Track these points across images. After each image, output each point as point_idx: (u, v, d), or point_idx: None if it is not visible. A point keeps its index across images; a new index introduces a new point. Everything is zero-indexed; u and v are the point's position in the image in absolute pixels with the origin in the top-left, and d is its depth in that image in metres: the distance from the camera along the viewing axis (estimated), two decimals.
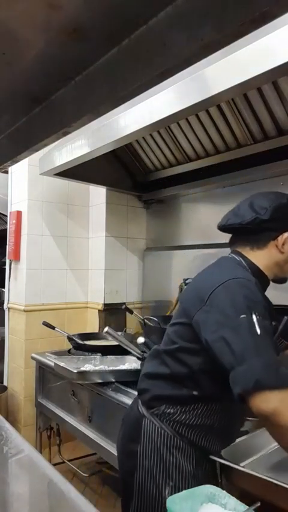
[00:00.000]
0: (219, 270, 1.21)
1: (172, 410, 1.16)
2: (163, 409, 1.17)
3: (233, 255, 1.27)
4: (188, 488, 1.10)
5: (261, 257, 1.24)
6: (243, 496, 1.00)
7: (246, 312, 1.03)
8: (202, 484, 1.08)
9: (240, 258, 1.24)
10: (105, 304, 2.92)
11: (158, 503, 1.12)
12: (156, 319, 2.25)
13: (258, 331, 1.00)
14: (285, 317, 1.24)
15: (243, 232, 1.25)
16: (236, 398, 0.98)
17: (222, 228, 1.32)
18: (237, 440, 1.29)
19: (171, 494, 1.05)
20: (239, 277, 1.12)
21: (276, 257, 1.23)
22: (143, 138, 2.53)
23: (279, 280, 1.32)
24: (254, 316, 1.02)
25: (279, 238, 1.22)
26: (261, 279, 1.22)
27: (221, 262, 1.27)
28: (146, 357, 1.86)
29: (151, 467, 1.14)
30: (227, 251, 2.47)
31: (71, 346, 2.46)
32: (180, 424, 1.15)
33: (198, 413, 1.15)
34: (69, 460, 2.47)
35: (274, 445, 1.23)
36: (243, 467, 1.14)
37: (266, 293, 1.27)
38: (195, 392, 1.13)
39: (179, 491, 1.07)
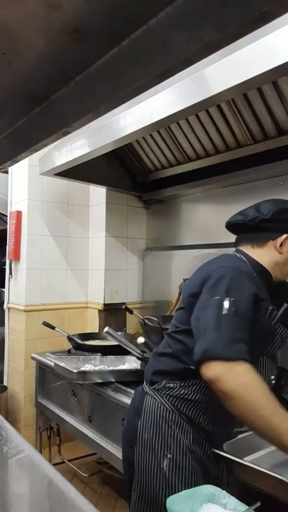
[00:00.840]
0: (217, 261, 1.30)
1: (172, 385, 1.25)
2: (164, 384, 1.26)
3: (235, 253, 1.37)
4: (186, 462, 1.17)
5: (262, 255, 1.32)
6: (246, 491, 1.00)
7: (222, 295, 1.14)
8: (200, 460, 1.19)
9: (242, 255, 1.33)
10: (105, 304, 2.92)
11: (157, 476, 1.18)
12: (156, 319, 2.25)
13: (225, 312, 1.10)
14: (285, 304, 1.28)
15: (246, 229, 1.35)
16: (195, 369, 1.12)
17: (228, 224, 1.43)
18: (242, 435, 1.31)
19: (169, 467, 1.16)
20: (230, 266, 1.23)
21: (275, 257, 1.31)
22: (143, 138, 2.53)
23: (277, 282, 1.36)
24: (226, 299, 1.12)
25: (278, 239, 1.30)
26: (262, 274, 1.30)
27: (221, 257, 1.35)
28: (146, 357, 1.87)
29: (150, 440, 1.21)
30: (227, 251, 2.47)
31: (71, 346, 2.46)
32: (179, 399, 1.23)
33: (196, 389, 1.23)
34: (69, 460, 2.47)
35: None
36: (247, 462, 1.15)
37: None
38: (192, 367, 1.18)
39: (176, 464, 1.17)
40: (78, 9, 0.55)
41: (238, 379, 1.04)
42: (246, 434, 1.34)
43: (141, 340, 1.77)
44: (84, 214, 3.09)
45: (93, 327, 2.96)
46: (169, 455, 1.18)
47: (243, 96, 1.86)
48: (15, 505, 0.88)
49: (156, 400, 1.25)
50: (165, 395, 1.25)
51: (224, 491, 1.04)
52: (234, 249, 1.43)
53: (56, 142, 1.93)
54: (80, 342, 2.41)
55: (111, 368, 2.02)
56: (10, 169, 3.00)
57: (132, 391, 1.81)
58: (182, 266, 2.69)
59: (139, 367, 1.98)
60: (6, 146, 1.00)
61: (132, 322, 2.86)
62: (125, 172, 2.87)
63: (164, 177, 2.71)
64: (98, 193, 3.01)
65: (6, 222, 3.17)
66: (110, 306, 2.93)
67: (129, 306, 2.70)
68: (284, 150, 1.96)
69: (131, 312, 2.53)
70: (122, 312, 2.81)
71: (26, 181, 2.82)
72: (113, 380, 1.91)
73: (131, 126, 1.68)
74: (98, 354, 2.20)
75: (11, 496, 0.92)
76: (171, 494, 0.97)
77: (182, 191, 2.67)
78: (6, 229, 3.07)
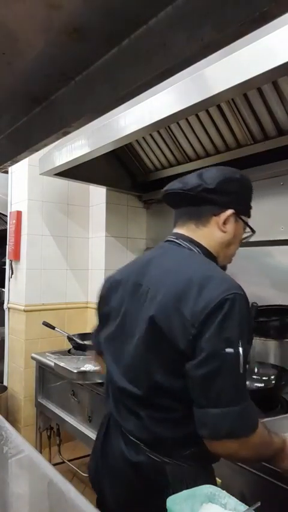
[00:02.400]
0: (213, 279, 0.95)
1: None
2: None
3: (187, 244, 1.08)
4: None
5: (208, 236, 1.09)
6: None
7: (236, 343, 0.88)
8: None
9: (196, 248, 1.08)
10: None
11: None
12: None
13: (241, 370, 0.88)
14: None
15: (186, 201, 1.10)
16: (200, 435, 0.92)
17: (164, 193, 1.16)
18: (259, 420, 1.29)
19: None
20: (237, 291, 0.92)
21: (219, 237, 1.09)
22: (143, 138, 2.53)
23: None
24: (240, 349, 0.88)
25: (222, 214, 1.08)
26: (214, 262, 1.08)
27: (188, 259, 1.06)
28: None
29: None
30: None
31: (71, 346, 2.46)
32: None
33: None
34: (69, 460, 2.47)
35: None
36: None
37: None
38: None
39: None
40: (78, 9, 0.55)
41: (254, 450, 0.93)
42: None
43: None
44: (84, 214, 3.09)
45: (93, 327, 2.96)
46: None
47: (243, 96, 1.86)
48: (15, 505, 0.88)
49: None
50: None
51: (224, 491, 1.04)
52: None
53: (56, 142, 1.93)
54: (80, 342, 2.41)
55: None
56: (10, 169, 3.00)
57: None
58: None
59: None
60: (6, 146, 1.00)
61: None
62: (125, 172, 2.87)
63: (164, 177, 2.71)
64: (98, 193, 3.01)
65: (6, 222, 3.17)
66: None
67: None
68: (284, 150, 1.96)
69: None
70: None
71: (26, 181, 2.82)
72: None
73: (131, 126, 1.68)
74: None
75: (11, 496, 0.92)
76: None
77: None
78: (6, 229, 3.07)
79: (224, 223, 1.09)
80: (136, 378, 1.00)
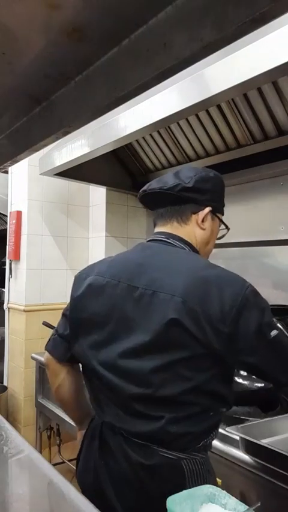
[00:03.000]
0: (215, 271, 1.02)
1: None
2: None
3: (177, 243, 1.10)
4: None
5: (189, 234, 1.12)
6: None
7: (273, 323, 0.99)
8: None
9: (187, 246, 1.11)
10: None
11: None
12: None
13: None
14: None
15: (165, 200, 1.13)
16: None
17: (143, 194, 1.17)
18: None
19: None
20: (248, 282, 1.01)
21: (199, 234, 1.13)
22: (143, 138, 2.52)
23: None
24: (278, 325, 0.99)
25: (201, 212, 1.12)
26: None
27: (194, 258, 1.08)
28: None
29: None
30: (227, 251, 2.47)
31: None
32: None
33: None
34: (69, 460, 2.47)
35: None
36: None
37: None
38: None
39: None
40: (78, 9, 0.55)
41: None
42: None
43: None
44: (84, 214, 3.09)
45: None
46: None
47: (243, 96, 1.86)
48: (15, 505, 0.88)
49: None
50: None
51: (224, 491, 1.04)
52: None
53: (56, 142, 1.93)
54: None
55: None
56: (10, 169, 3.00)
57: None
58: None
59: None
60: (6, 146, 1.00)
61: None
62: (125, 172, 2.87)
63: None
64: (98, 193, 3.01)
65: (6, 222, 3.17)
66: None
67: None
68: (284, 150, 1.96)
69: None
70: None
71: (26, 181, 2.82)
72: None
73: (131, 126, 1.68)
74: None
75: (11, 496, 0.92)
76: None
77: None
78: (6, 229, 3.07)
79: (203, 220, 1.12)
80: (150, 381, 0.96)
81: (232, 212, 2.50)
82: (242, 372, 1.84)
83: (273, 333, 0.95)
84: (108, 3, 0.54)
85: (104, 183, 2.83)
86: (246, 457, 1.22)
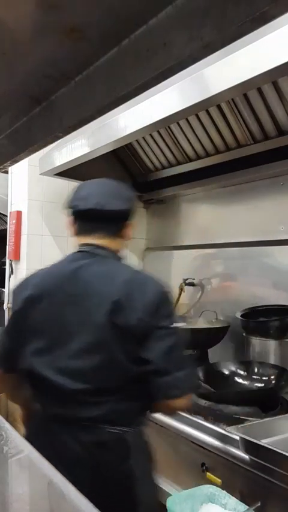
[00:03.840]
0: (139, 276, 1.23)
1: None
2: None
3: (107, 254, 1.25)
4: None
5: (117, 244, 1.30)
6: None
7: (175, 320, 1.18)
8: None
9: (117, 257, 1.28)
10: None
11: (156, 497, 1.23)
12: None
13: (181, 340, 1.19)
14: None
15: (99, 217, 1.25)
16: (165, 397, 1.14)
17: (85, 212, 1.27)
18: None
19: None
20: (167, 289, 1.20)
21: (125, 243, 1.33)
22: (143, 138, 2.52)
23: None
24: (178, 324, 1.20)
25: (129, 226, 1.31)
26: None
27: (122, 267, 1.27)
28: None
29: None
30: (226, 251, 2.47)
31: None
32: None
33: None
34: None
35: None
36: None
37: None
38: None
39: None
40: (78, 9, 0.55)
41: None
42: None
43: None
44: None
45: None
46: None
47: (243, 96, 1.86)
48: (15, 505, 0.88)
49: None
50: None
51: (224, 491, 1.04)
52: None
53: (56, 142, 1.93)
54: None
55: None
56: (10, 169, 3.00)
57: None
58: (182, 266, 2.69)
59: None
60: (6, 146, 1.00)
61: None
62: (125, 172, 2.86)
63: (164, 177, 2.71)
64: None
65: (6, 222, 3.17)
66: None
67: None
68: (284, 150, 1.96)
69: None
70: None
71: (26, 181, 2.82)
72: None
73: (131, 126, 1.68)
74: None
75: (11, 496, 0.92)
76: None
77: (182, 191, 2.67)
78: (6, 229, 3.07)
79: (127, 233, 1.31)
80: (93, 377, 1.13)
81: (232, 212, 2.51)
82: (242, 372, 1.84)
83: (174, 325, 1.16)
84: (108, 3, 0.54)
85: None
86: (246, 457, 1.22)
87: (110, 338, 1.11)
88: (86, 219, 1.29)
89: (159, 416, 1.60)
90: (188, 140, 2.31)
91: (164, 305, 1.15)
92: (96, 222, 1.27)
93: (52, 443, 1.13)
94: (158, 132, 2.40)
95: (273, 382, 1.71)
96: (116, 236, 1.27)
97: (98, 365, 1.12)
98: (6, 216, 3.11)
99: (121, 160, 2.81)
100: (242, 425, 1.31)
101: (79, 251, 1.29)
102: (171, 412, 1.31)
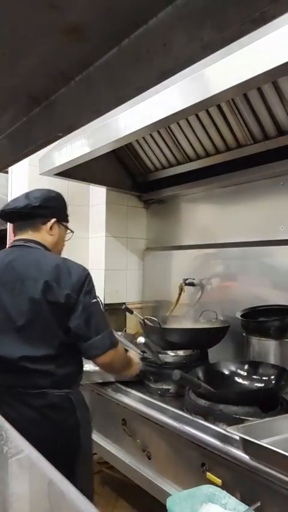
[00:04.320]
0: (64, 262, 1.49)
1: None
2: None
3: (35, 246, 1.54)
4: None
5: (41, 239, 1.56)
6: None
7: (95, 296, 1.47)
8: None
9: (41, 246, 1.54)
10: (105, 304, 2.91)
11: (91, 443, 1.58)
12: (156, 319, 2.25)
13: (102, 308, 1.49)
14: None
15: (19, 216, 1.55)
16: (89, 357, 1.46)
17: (3, 213, 1.58)
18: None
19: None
20: (88, 271, 1.50)
21: (49, 239, 1.57)
22: (143, 138, 2.53)
23: None
24: (98, 298, 1.47)
25: (48, 223, 1.56)
26: None
27: (49, 255, 1.53)
28: (146, 356, 1.87)
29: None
30: (226, 251, 2.48)
31: None
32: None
33: None
34: None
35: None
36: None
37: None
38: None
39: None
40: (78, 9, 0.55)
41: (121, 356, 1.57)
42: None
43: (141, 340, 1.77)
44: (84, 214, 3.09)
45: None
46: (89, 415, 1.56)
47: (243, 96, 1.86)
48: (15, 505, 0.88)
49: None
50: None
51: (224, 491, 1.04)
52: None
53: (56, 142, 1.93)
54: None
55: None
56: (10, 169, 2.99)
57: (133, 391, 1.81)
58: (182, 266, 2.69)
59: (139, 367, 1.98)
60: (6, 146, 1.00)
61: (132, 322, 2.85)
62: (125, 172, 2.87)
63: (164, 177, 2.71)
64: (98, 193, 3.01)
65: (6, 222, 3.16)
66: (110, 306, 2.92)
67: (129, 306, 2.69)
68: (284, 150, 1.96)
69: (131, 312, 2.53)
70: (122, 312, 2.81)
71: (26, 181, 2.81)
72: (113, 380, 1.91)
73: (131, 126, 1.68)
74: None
75: (11, 496, 0.92)
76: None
77: (182, 191, 2.67)
78: (6, 229, 3.07)
79: (50, 229, 1.57)
80: (34, 347, 1.39)
81: (232, 212, 2.51)
82: (242, 372, 1.84)
83: (94, 300, 1.45)
84: (108, 3, 0.54)
85: (104, 183, 2.83)
86: (246, 457, 1.22)
87: (45, 312, 1.39)
88: (13, 219, 1.61)
89: (159, 416, 1.60)
90: (188, 140, 2.31)
91: (86, 284, 1.44)
92: (21, 220, 1.56)
93: (7, 411, 1.30)
94: (158, 132, 2.40)
95: (273, 382, 1.71)
96: (41, 230, 1.55)
97: (38, 336, 1.40)
98: None
99: (121, 160, 2.81)
100: (242, 425, 1.31)
101: (13, 245, 1.58)
102: (102, 368, 1.57)
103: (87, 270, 1.48)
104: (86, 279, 1.44)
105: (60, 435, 1.40)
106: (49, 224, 1.56)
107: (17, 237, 1.57)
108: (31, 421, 1.35)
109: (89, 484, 1.52)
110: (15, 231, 1.60)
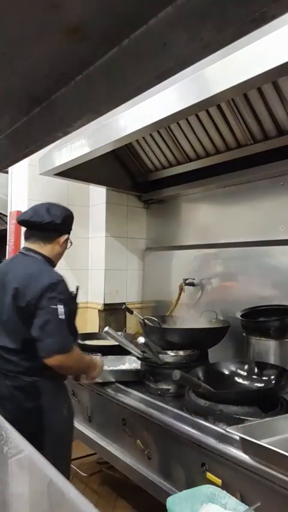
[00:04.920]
0: (40, 271, 1.67)
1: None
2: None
3: (34, 255, 1.74)
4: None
5: (49, 250, 1.77)
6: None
7: (57, 303, 1.57)
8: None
9: (40, 256, 1.74)
10: (105, 304, 2.91)
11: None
12: (156, 319, 2.25)
13: (61, 316, 1.56)
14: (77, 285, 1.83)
15: (40, 228, 1.74)
16: (40, 357, 1.57)
17: (25, 222, 1.76)
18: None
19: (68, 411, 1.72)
20: (58, 278, 1.65)
21: (58, 250, 1.79)
22: (143, 138, 2.53)
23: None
24: (59, 306, 1.57)
25: (62, 238, 1.77)
26: (49, 263, 1.76)
27: (33, 264, 1.71)
28: (146, 356, 1.87)
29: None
30: (226, 251, 2.47)
31: None
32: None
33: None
34: None
35: None
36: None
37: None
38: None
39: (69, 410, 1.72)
40: (78, 9, 0.55)
41: (74, 360, 1.65)
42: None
43: (141, 340, 1.77)
44: (84, 214, 3.09)
45: (93, 327, 2.96)
46: (65, 405, 1.71)
47: (243, 96, 1.86)
48: (15, 505, 0.88)
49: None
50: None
51: (224, 491, 1.04)
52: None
53: (56, 142, 1.93)
54: (80, 341, 2.40)
55: (111, 368, 2.02)
56: (10, 169, 3.00)
57: (133, 391, 1.81)
58: (182, 266, 2.69)
59: (139, 367, 1.98)
60: (6, 146, 1.00)
61: (132, 322, 2.85)
62: (125, 172, 2.87)
63: (164, 177, 2.71)
64: (98, 193, 3.01)
65: (6, 222, 3.17)
66: (110, 306, 2.92)
67: (129, 306, 2.69)
68: (284, 150, 1.96)
69: (131, 312, 2.53)
70: (122, 312, 2.81)
71: (26, 181, 2.82)
72: (113, 380, 1.91)
73: (131, 126, 1.68)
74: (98, 353, 2.20)
75: (11, 496, 0.92)
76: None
77: (182, 191, 2.67)
78: (6, 229, 3.07)
79: (63, 242, 1.79)
80: (13, 338, 1.63)
81: (232, 212, 2.51)
82: (242, 372, 1.84)
83: (54, 307, 1.56)
84: (108, 3, 0.54)
85: (104, 183, 2.83)
86: (246, 457, 1.22)
87: (14, 315, 1.61)
88: (31, 228, 1.77)
89: (159, 416, 1.60)
90: (188, 140, 2.31)
91: (50, 291, 1.57)
92: (38, 231, 1.75)
93: None
94: (158, 132, 2.40)
95: (273, 382, 1.71)
96: (53, 242, 1.76)
97: (11, 331, 1.64)
98: (6, 216, 3.11)
99: (121, 160, 2.81)
100: (242, 425, 1.31)
101: (20, 252, 1.81)
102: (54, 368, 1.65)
103: (57, 279, 1.63)
104: (49, 287, 1.58)
105: (19, 414, 1.57)
106: (62, 239, 1.77)
107: (25, 245, 1.79)
108: (6, 398, 1.64)
109: (62, 465, 1.58)
110: (26, 237, 1.80)
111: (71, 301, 1.69)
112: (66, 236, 1.78)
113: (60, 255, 1.82)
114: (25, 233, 1.80)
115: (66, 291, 1.66)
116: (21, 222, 1.77)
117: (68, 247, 1.87)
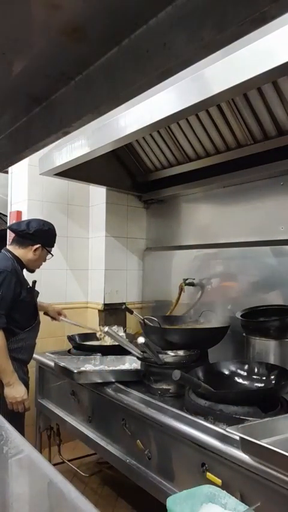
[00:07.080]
0: None
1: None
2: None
3: (6, 253, 2.18)
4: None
5: (21, 253, 2.19)
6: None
7: None
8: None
9: (9, 254, 2.17)
10: (105, 304, 2.91)
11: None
12: (156, 319, 2.25)
13: None
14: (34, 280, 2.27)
15: (17, 235, 2.20)
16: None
17: (10, 229, 2.27)
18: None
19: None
20: (6, 269, 2.07)
21: (29, 255, 2.18)
22: (143, 138, 2.53)
23: (29, 270, 2.28)
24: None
25: (34, 246, 2.18)
26: (20, 264, 2.18)
27: (1, 258, 2.14)
28: (146, 356, 1.87)
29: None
30: (226, 251, 2.48)
31: (71, 346, 2.46)
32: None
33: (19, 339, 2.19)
34: (69, 460, 2.47)
35: None
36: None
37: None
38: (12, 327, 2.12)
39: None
40: (78, 9, 0.55)
41: None
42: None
43: (141, 340, 1.77)
44: (84, 214, 3.09)
45: (93, 327, 2.96)
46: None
47: (243, 96, 1.86)
48: (15, 505, 0.88)
49: None
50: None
51: (224, 491, 1.04)
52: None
53: (56, 143, 1.93)
54: (80, 342, 2.41)
55: (111, 368, 2.02)
56: (10, 169, 3.00)
57: (133, 391, 1.81)
58: (182, 266, 2.69)
59: (139, 367, 1.98)
60: (6, 146, 1.00)
61: (132, 322, 2.85)
62: (125, 172, 2.87)
63: (164, 177, 2.71)
64: (98, 193, 3.01)
65: (6, 222, 3.17)
66: (110, 306, 2.92)
67: (129, 306, 2.69)
68: (284, 150, 1.96)
69: (131, 312, 2.53)
70: (122, 312, 2.81)
71: (26, 181, 2.82)
72: (113, 380, 1.90)
73: (131, 126, 1.68)
74: (98, 354, 2.20)
75: (11, 496, 0.92)
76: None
77: (182, 191, 2.67)
78: (6, 229, 3.07)
79: (34, 250, 2.19)
80: None
81: (232, 212, 2.51)
82: (242, 372, 1.84)
83: None
84: (108, 3, 0.54)
85: (104, 183, 2.83)
86: (246, 457, 1.22)
87: None
88: (14, 234, 2.22)
89: (159, 416, 1.60)
90: (188, 140, 2.31)
91: None
92: (17, 237, 2.20)
93: None
94: (158, 132, 2.40)
95: (273, 382, 1.71)
96: (26, 248, 2.18)
97: None
98: (6, 216, 3.11)
99: (121, 160, 2.81)
100: (242, 425, 1.31)
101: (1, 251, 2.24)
102: None
103: (2, 269, 2.05)
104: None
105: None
106: (34, 247, 2.18)
107: (7, 246, 2.24)
108: None
109: (15, 421, 1.75)
110: (12, 241, 2.25)
111: (8, 290, 2.05)
112: (38, 246, 2.18)
113: (33, 261, 2.22)
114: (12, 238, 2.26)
115: (5, 280, 2.05)
116: (9, 228, 2.29)
117: (48, 258, 2.28)
